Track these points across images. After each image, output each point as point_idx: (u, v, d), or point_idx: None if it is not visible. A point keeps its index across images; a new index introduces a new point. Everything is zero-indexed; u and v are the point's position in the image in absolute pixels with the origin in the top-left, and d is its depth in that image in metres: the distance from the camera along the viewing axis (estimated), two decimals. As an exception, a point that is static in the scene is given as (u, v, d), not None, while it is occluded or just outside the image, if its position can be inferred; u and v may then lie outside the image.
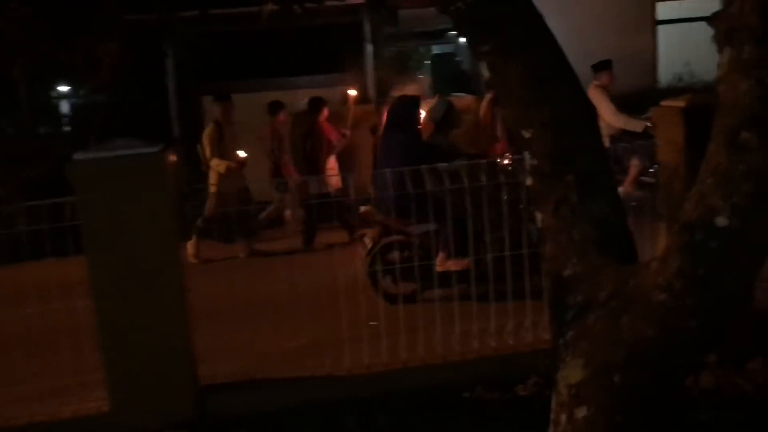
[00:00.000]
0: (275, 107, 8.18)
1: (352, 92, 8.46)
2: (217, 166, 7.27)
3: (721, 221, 2.02)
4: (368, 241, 5.65)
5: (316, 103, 7.95)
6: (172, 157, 4.02)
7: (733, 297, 2.12)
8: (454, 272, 5.09)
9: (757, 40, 2.01)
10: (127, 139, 3.81)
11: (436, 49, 15.99)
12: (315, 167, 7.73)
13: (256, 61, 10.51)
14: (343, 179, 7.89)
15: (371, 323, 4.48)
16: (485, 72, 2.58)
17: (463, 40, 11.69)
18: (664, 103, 4.39)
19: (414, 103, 6.03)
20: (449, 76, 14.35)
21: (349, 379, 4.11)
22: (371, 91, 10.82)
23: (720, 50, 2.16)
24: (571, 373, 2.31)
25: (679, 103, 4.20)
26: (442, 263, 5.40)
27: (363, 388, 4.05)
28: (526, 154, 2.54)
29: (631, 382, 2.20)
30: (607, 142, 6.14)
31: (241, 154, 7.30)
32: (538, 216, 2.55)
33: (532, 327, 4.29)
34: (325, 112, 7.95)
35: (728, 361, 3.86)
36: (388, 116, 6.18)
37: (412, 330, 4.29)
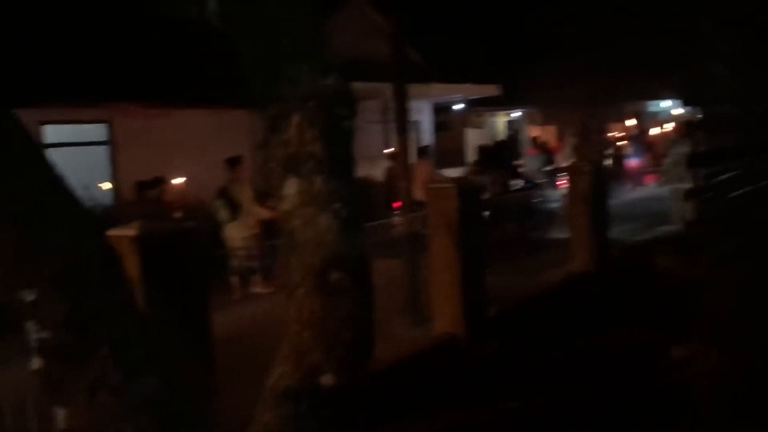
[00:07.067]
0: None
1: None
2: None
3: (328, 380, 1.71)
4: None
5: None
6: None
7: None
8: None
9: (328, 172, 1.81)
10: None
11: None
12: None
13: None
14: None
15: None
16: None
17: None
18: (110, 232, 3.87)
19: None
20: None
21: None
22: None
23: (276, 179, 1.89)
24: None
25: (130, 231, 3.75)
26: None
27: None
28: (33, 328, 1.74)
29: None
30: None
31: None
32: (61, 414, 1.75)
33: None
34: None
35: None
36: None
37: None
